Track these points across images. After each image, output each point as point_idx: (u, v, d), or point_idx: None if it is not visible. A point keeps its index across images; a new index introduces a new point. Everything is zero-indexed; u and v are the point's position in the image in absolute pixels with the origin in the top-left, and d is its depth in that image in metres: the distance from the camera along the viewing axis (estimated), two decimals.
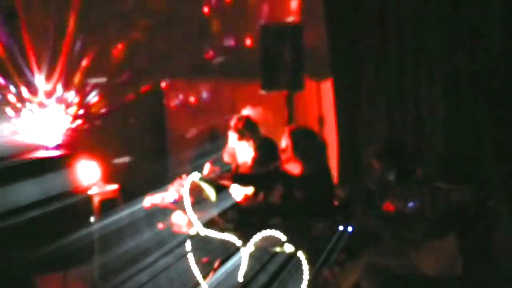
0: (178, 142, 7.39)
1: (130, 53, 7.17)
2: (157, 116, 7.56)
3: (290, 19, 7.23)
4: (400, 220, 4.40)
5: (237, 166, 5.40)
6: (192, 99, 7.85)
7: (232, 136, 5.33)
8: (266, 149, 5.24)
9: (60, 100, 6.66)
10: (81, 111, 6.85)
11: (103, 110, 7.03)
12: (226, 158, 5.43)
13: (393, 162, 4.52)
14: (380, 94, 6.03)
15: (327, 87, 7.01)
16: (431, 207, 4.34)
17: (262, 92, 6.60)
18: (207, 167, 5.27)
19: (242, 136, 5.27)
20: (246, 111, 5.40)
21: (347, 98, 6.49)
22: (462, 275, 4.22)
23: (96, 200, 5.66)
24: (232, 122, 5.33)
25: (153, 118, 7.51)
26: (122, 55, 7.11)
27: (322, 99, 7.31)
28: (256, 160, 5.22)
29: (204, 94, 7.90)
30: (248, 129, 5.27)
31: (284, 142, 4.78)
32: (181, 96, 7.80)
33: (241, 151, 5.34)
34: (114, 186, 5.95)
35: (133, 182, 6.25)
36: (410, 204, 4.42)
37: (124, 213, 5.09)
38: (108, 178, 6.05)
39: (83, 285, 5.47)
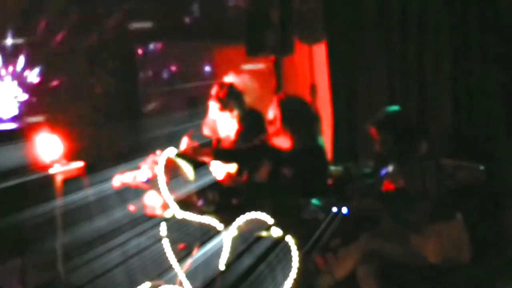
0: (152, 113, 7.37)
1: (97, 14, 7.11)
2: (128, 84, 7.51)
3: None
4: (401, 200, 4.41)
5: (219, 140, 5.39)
6: (168, 64, 7.81)
7: (213, 106, 5.31)
8: (251, 121, 5.23)
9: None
10: (39, 78, 6.81)
11: (67, 77, 6.98)
12: (206, 131, 5.42)
13: (396, 133, 4.51)
14: (380, 60, 6.03)
15: (320, 52, 7.00)
16: (436, 185, 4.35)
17: (247, 56, 6.56)
18: (184, 142, 5.24)
19: (224, 106, 5.25)
20: (229, 78, 5.37)
21: (343, 64, 6.47)
22: (470, 262, 4.26)
23: (58, 178, 5.63)
24: (213, 91, 5.31)
25: (124, 87, 7.47)
26: (88, 17, 7.04)
27: (314, 65, 7.29)
28: (240, 134, 5.22)
29: (182, 60, 7.86)
30: (231, 98, 5.26)
31: (271, 113, 4.78)
32: (156, 61, 7.75)
33: (223, 123, 5.32)
34: (79, 163, 5.92)
35: (101, 159, 6.22)
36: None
37: (90, 192, 5.09)
38: (72, 154, 6.01)
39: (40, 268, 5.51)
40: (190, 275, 4.47)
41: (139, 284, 4.56)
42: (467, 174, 4.52)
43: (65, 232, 5.44)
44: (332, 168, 5.21)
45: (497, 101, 5.12)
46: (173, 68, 7.87)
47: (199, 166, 4.69)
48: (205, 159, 4.81)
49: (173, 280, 4.51)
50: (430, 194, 4.31)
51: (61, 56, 7.02)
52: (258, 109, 5.36)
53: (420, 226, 4.31)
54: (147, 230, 4.67)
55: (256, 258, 4.24)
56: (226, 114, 5.28)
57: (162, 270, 4.53)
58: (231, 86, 5.33)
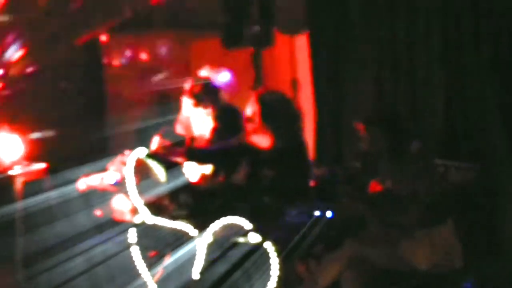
0: (121, 110, 7.34)
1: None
2: (94, 78, 7.48)
3: None
4: (389, 203, 4.44)
5: (192, 139, 5.39)
6: (137, 57, 7.79)
7: (187, 102, 5.31)
8: (228, 119, 5.23)
9: None
10: None
11: (26, 71, 6.94)
12: (179, 129, 5.42)
13: (386, 129, 4.54)
14: (367, 52, 6.05)
15: (302, 44, 7.02)
16: (427, 187, 4.39)
17: (224, 49, 6.56)
18: (155, 141, 5.25)
19: (199, 102, 5.26)
20: (205, 72, 5.38)
21: (327, 57, 6.49)
22: (462, 269, 4.30)
23: (18, 181, 5.61)
24: (187, 86, 5.32)
25: (90, 81, 7.44)
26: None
27: (296, 58, 7.32)
28: (216, 132, 5.22)
29: (153, 52, 7.84)
30: (206, 94, 5.26)
31: (250, 110, 4.78)
32: (124, 54, 7.73)
33: (197, 120, 5.32)
34: (41, 165, 5.90)
35: (65, 160, 6.20)
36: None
37: (53, 195, 5.09)
38: (33, 154, 6.00)
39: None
40: (161, 285, 4.48)
41: None
42: (460, 175, 4.56)
43: (25, 237, 5.43)
44: (315, 168, 5.22)
45: (491, 100, 5.16)
46: (144, 61, 7.84)
47: (172, 167, 4.69)
48: (178, 159, 4.79)
49: None
50: (420, 197, 4.34)
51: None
52: (235, 105, 5.38)
53: (409, 231, 4.34)
54: (115, 236, 4.67)
55: (231, 265, 4.25)
56: (201, 111, 5.28)
57: (131, 279, 4.53)
58: (206, 81, 5.33)
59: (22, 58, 6.90)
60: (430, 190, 4.40)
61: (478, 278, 4.40)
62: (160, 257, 4.57)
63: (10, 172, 5.63)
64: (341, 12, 6.28)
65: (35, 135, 6.44)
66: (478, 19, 5.18)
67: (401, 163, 4.49)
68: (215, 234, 4.37)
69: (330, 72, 6.44)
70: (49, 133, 6.85)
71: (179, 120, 5.42)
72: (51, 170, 5.84)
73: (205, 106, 5.27)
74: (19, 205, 5.49)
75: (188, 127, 5.38)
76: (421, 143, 4.61)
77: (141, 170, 4.60)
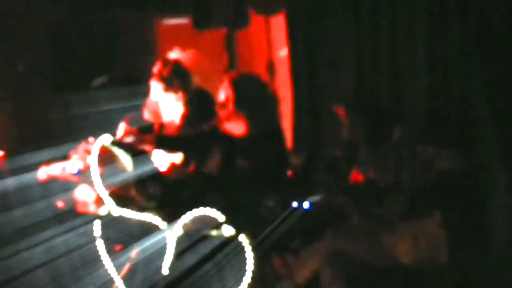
0: (83, 93, 7.26)
1: None
2: (54, 57, 7.39)
3: None
4: (370, 194, 4.43)
5: (162, 126, 5.37)
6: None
7: (156, 86, 5.29)
8: (200, 104, 5.24)
9: None
10: None
11: None
12: (147, 115, 5.39)
13: (368, 114, 4.52)
14: (348, 33, 6.02)
15: (278, 24, 6.98)
16: (411, 177, 4.38)
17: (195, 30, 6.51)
18: (121, 128, 5.21)
19: (168, 86, 5.26)
20: (174, 54, 5.34)
21: (305, 38, 6.46)
22: (447, 264, 4.29)
23: None
24: (156, 68, 5.29)
25: (47, 61, 7.34)
26: None
27: (272, 40, 7.28)
28: (187, 118, 5.21)
29: (119, 32, 7.76)
30: (176, 77, 5.26)
31: (223, 94, 4.76)
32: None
33: (167, 105, 5.31)
34: None
35: (23, 147, 6.12)
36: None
37: (10, 182, 5.01)
38: None
39: None
40: (127, 280, 4.48)
41: None
42: (446, 163, 4.55)
43: None
44: (293, 157, 5.20)
45: (477, 82, 5.16)
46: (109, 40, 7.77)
47: (139, 156, 4.64)
48: (146, 147, 4.76)
49: (108, 285, 4.49)
50: (404, 187, 4.35)
51: None
52: (207, 89, 5.34)
53: (392, 223, 4.34)
54: (77, 227, 4.62)
55: (201, 257, 4.24)
56: (171, 96, 5.27)
57: (95, 273, 4.51)
58: (176, 63, 5.32)
59: None
60: (414, 180, 4.40)
61: (464, 274, 4.39)
62: (126, 251, 4.53)
63: None
64: None
65: None
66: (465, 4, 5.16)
67: (383, 151, 4.47)
68: (185, 226, 4.35)
69: (308, 55, 6.41)
70: (6, 117, 6.78)
71: (147, 105, 5.39)
72: (8, 157, 5.76)
73: (175, 91, 5.24)
74: None
75: (156, 113, 5.37)
76: (404, 129, 4.59)
77: (106, 159, 4.56)
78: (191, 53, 5.41)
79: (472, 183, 4.54)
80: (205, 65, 5.54)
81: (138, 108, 5.42)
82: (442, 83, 5.33)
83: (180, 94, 5.28)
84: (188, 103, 5.26)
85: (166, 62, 5.34)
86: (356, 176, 4.55)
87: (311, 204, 4.46)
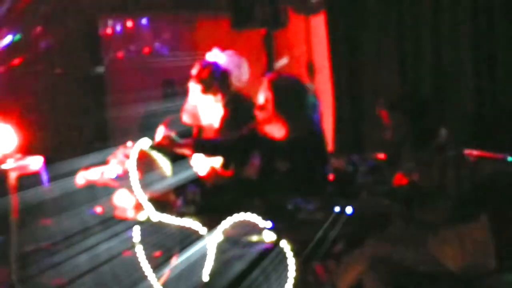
0: (122, 98, 7.32)
1: None
2: (92, 64, 7.47)
3: None
4: (415, 198, 4.38)
5: (200, 129, 5.37)
6: (139, 41, 7.77)
7: (194, 88, 5.28)
8: (239, 107, 5.22)
9: None
10: None
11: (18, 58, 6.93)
12: (185, 118, 5.40)
13: (412, 115, 4.47)
14: (389, 34, 6.00)
15: (318, 24, 6.97)
16: (458, 180, 4.32)
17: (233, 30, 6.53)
18: (160, 131, 5.23)
19: (207, 88, 5.24)
20: (213, 56, 5.35)
21: (345, 38, 6.45)
22: (496, 271, 4.23)
23: (12, 176, 5.58)
24: (194, 71, 5.29)
25: (87, 67, 7.44)
26: None
27: (312, 40, 7.26)
28: (226, 121, 5.20)
29: (155, 35, 7.82)
30: (215, 79, 5.24)
31: (262, 96, 4.75)
32: (124, 38, 7.71)
33: (205, 108, 5.30)
34: (38, 158, 5.87)
35: (63, 152, 6.20)
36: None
37: (50, 188, 5.08)
38: (29, 146, 5.96)
39: None
40: (168, 287, 4.45)
41: None
42: (493, 167, 4.50)
43: (21, 234, 5.43)
44: (334, 160, 5.18)
45: None
46: (146, 43, 7.83)
47: (178, 160, 4.65)
48: (185, 151, 4.77)
49: None
50: (450, 191, 4.28)
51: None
52: (245, 92, 5.34)
53: (437, 229, 4.28)
54: (118, 234, 4.64)
55: (248, 264, 4.21)
56: (209, 98, 5.25)
57: (136, 281, 4.54)
58: (214, 65, 5.30)
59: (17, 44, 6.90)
60: (460, 184, 4.34)
61: None
62: (166, 257, 4.55)
63: (3, 166, 5.59)
64: None
65: (31, 125, 6.43)
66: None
67: (428, 153, 4.42)
68: (225, 232, 4.33)
69: (349, 55, 6.40)
70: (46, 123, 6.86)
71: (185, 108, 5.40)
72: (48, 163, 5.83)
73: (214, 93, 5.23)
74: (14, 200, 5.46)
75: (195, 116, 5.37)
76: (450, 132, 4.54)
77: (145, 163, 4.58)
78: (231, 54, 5.40)
79: None
80: (246, 67, 5.53)
81: (177, 111, 5.43)
82: (488, 87, 5.29)
83: (219, 96, 5.27)
84: (227, 105, 5.26)
85: (204, 64, 5.34)
86: (400, 179, 4.49)
87: (353, 208, 4.43)
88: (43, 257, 5.07)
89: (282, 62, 7.00)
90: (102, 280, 4.74)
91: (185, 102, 5.41)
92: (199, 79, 5.27)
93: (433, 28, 5.71)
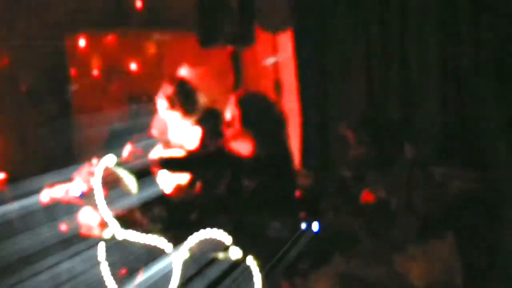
0: (87, 115, 7.28)
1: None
2: (57, 80, 7.43)
3: None
4: (382, 215, 4.40)
5: (168, 144, 5.36)
6: (105, 58, 7.74)
7: (161, 105, 5.30)
8: (209, 122, 5.22)
9: None
10: None
11: None
12: (154, 132, 5.40)
13: (375, 134, 4.50)
14: (357, 51, 6.02)
15: (285, 42, 6.98)
16: (424, 197, 4.35)
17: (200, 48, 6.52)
18: (126, 149, 5.20)
19: (173, 105, 5.26)
20: (180, 72, 5.36)
21: (313, 56, 6.46)
22: None
23: None
24: (162, 87, 5.29)
25: (52, 83, 7.38)
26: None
27: (279, 57, 7.27)
28: (205, 138, 5.19)
29: (122, 52, 7.80)
30: (181, 96, 5.25)
31: (229, 114, 4.75)
32: (90, 54, 7.68)
33: (173, 124, 5.30)
34: (0, 175, 5.81)
35: (26, 169, 6.13)
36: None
37: (13, 207, 5.00)
38: None
39: None
40: None
41: None
42: (460, 184, 4.53)
43: None
44: (301, 177, 5.18)
45: (491, 101, 5.14)
46: (112, 60, 7.80)
47: (144, 177, 4.63)
48: (151, 168, 4.73)
49: None
50: (416, 208, 4.31)
51: None
52: (216, 109, 5.34)
53: (404, 246, 4.30)
54: (81, 252, 4.59)
55: (210, 282, 4.19)
56: (175, 115, 5.26)
57: None
58: (181, 82, 5.31)
59: None
60: (427, 201, 4.37)
61: None
62: (131, 275, 4.51)
63: None
64: (328, 6, 6.23)
65: None
66: (478, 15, 5.15)
67: (394, 171, 4.45)
68: (192, 249, 4.32)
69: (316, 73, 6.41)
70: (9, 140, 6.79)
71: (154, 123, 5.40)
72: (11, 180, 5.77)
73: (179, 110, 5.24)
74: None
75: (163, 132, 5.35)
76: (416, 148, 4.57)
77: (110, 181, 4.54)
78: (198, 70, 5.41)
79: (486, 204, 4.53)
80: (212, 83, 5.54)
81: (144, 129, 5.42)
82: (454, 102, 5.32)
83: (184, 113, 5.28)
84: (201, 123, 5.26)
85: (171, 80, 5.35)
86: (367, 196, 4.52)
87: (320, 226, 4.44)
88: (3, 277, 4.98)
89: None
90: None
91: (153, 117, 5.42)
92: (165, 96, 5.29)
93: (400, 44, 5.74)
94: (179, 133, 5.28)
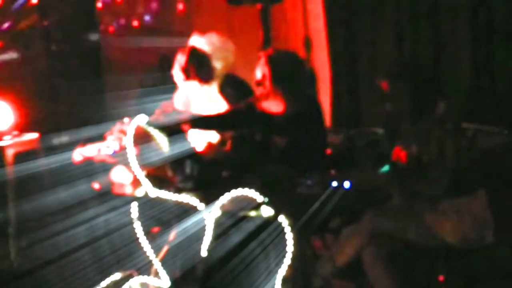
0: (118, 74, 7.31)
1: None
2: (88, 41, 7.45)
3: None
4: (413, 171, 4.37)
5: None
6: (134, 16, 7.74)
7: (177, 76, 5.25)
8: (235, 89, 5.19)
9: None
10: None
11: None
12: (177, 105, 5.36)
13: (412, 85, 4.42)
14: (387, 5, 5.97)
15: None
16: (456, 153, 4.31)
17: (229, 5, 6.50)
18: (158, 108, 5.20)
19: (188, 75, 5.19)
20: (192, 41, 5.28)
21: (343, 12, 6.42)
22: (493, 243, 4.24)
23: (9, 152, 5.58)
24: (177, 59, 5.24)
25: (83, 44, 7.41)
26: None
27: (308, 14, 7.23)
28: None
29: (150, 10, 7.79)
30: (193, 65, 5.17)
31: (259, 72, 4.73)
32: (120, 13, 7.69)
33: (193, 95, 5.26)
34: (34, 135, 5.87)
35: (59, 129, 6.19)
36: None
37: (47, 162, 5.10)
38: (25, 123, 5.96)
39: None
40: (166, 263, 4.47)
41: (108, 271, 4.60)
42: (490, 140, 4.49)
43: (18, 206, 5.46)
44: (332, 135, 5.18)
45: None
46: (142, 20, 7.80)
47: (175, 135, 4.64)
48: (182, 126, 4.73)
49: (147, 268, 4.50)
50: (448, 164, 4.27)
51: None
52: (236, 76, 5.31)
53: (436, 202, 4.28)
54: (116, 208, 4.65)
55: (246, 236, 4.21)
56: (193, 84, 5.21)
57: (134, 256, 4.54)
58: (192, 50, 5.22)
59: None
60: (458, 157, 4.33)
61: (510, 255, 4.35)
62: (164, 233, 4.54)
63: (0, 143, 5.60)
64: None
65: (27, 102, 6.41)
66: None
67: (427, 125, 4.40)
68: (223, 207, 4.32)
69: (346, 29, 6.37)
70: (42, 101, 6.85)
71: (175, 96, 5.37)
72: (44, 139, 5.83)
73: (195, 79, 5.18)
74: (11, 174, 5.47)
75: (186, 103, 5.32)
76: (448, 104, 4.53)
77: (142, 139, 4.56)
78: (212, 37, 5.33)
79: None
80: (240, 43, 5.49)
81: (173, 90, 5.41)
82: (484, 61, 5.27)
83: (201, 81, 5.22)
84: (222, 91, 5.23)
85: (183, 50, 5.28)
86: (398, 152, 4.48)
87: (351, 183, 4.42)
88: (41, 229, 5.06)
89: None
90: (99, 253, 4.74)
91: (175, 90, 5.39)
92: (179, 67, 5.23)
93: (431, 3, 5.69)
94: (202, 103, 5.25)
